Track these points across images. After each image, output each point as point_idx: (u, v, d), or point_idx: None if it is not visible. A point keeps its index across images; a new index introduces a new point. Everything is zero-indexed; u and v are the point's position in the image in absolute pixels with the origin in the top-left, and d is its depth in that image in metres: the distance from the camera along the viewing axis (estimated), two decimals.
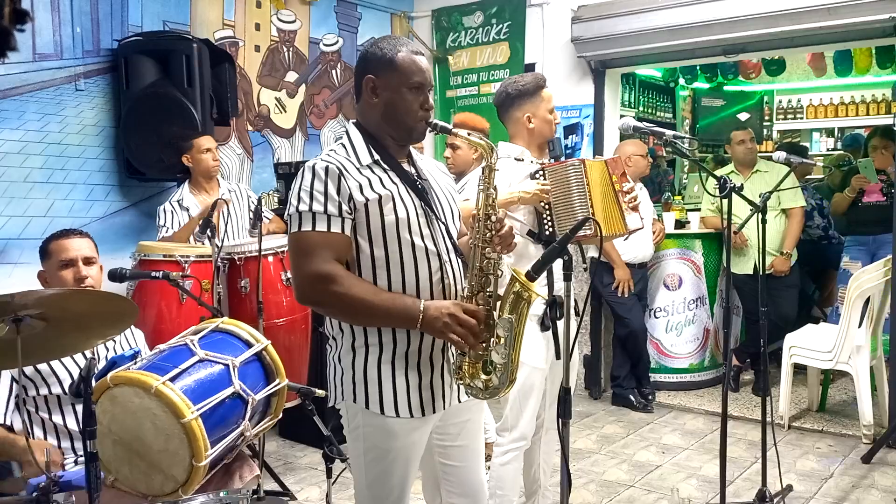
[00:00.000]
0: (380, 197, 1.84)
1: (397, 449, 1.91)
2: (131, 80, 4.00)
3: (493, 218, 1.88)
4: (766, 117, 8.03)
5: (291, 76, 5.14)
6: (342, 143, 1.94)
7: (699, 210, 5.33)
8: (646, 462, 3.98)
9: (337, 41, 5.43)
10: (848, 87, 7.72)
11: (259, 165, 4.94)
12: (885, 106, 7.53)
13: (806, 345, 4.37)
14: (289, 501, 2.45)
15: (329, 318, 1.96)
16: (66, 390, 2.38)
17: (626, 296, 4.75)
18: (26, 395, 2.38)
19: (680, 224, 5.24)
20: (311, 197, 1.81)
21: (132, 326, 2.56)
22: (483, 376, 1.88)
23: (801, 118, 8.08)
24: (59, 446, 2.40)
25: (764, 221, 3.11)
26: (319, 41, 5.31)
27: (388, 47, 1.91)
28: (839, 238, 5.41)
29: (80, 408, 2.19)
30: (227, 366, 2.10)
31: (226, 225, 3.74)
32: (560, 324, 2.43)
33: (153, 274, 2.81)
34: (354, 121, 1.99)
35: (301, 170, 1.87)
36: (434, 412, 1.93)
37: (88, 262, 2.48)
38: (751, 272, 4.80)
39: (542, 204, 2.70)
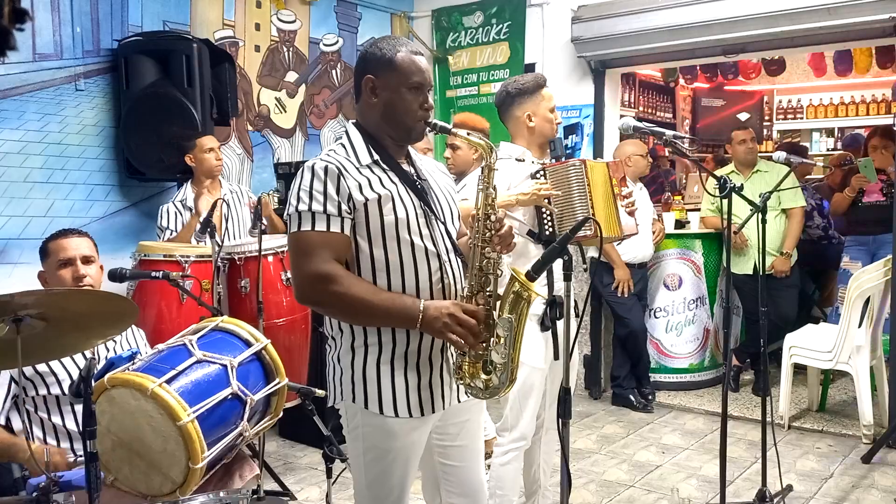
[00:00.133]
0: (379, 197, 1.84)
1: (397, 449, 1.91)
2: (131, 80, 4.00)
3: (493, 217, 1.87)
4: (766, 117, 8.03)
5: (291, 76, 5.14)
6: (342, 143, 1.94)
7: (699, 210, 5.33)
8: (646, 462, 3.98)
9: (337, 41, 5.43)
10: (848, 87, 7.72)
11: (259, 165, 4.94)
12: (885, 106, 7.54)
13: (806, 345, 4.37)
14: (289, 501, 2.45)
15: (328, 317, 1.96)
16: (66, 390, 2.38)
17: (626, 296, 4.75)
18: (26, 395, 2.37)
19: (680, 224, 5.24)
20: (311, 196, 1.81)
21: (133, 326, 2.56)
22: (483, 376, 1.87)
23: (801, 118, 8.08)
24: (59, 446, 2.40)
25: (764, 221, 3.11)
26: (319, 41, 5.31)
27: (388, 47, 1.91)
28: (839, 238, 5.41)
29: (79, 408, 2.19)
30: (224, 366, 2.10)
31: (226, 225, 3.74)
32: (560, 324, 2.44)
33: (153, 274, 2.81)
34: (354, 121, 1.99)
35: (301, 169, 1.87)
36: (433, 412, 1.93)
37: (87, 261, 2.48)
38: (751, 272, 4.80)
39: (544, 203, 2.70)
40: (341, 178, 1.82)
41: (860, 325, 4.10)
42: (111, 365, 2.04)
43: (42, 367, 2.37)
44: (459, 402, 1.99)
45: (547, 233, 2.71)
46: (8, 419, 2.38)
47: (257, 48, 4.92)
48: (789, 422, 4.43)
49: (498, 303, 1.87)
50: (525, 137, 2.81)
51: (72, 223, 3.60)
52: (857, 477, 3.70)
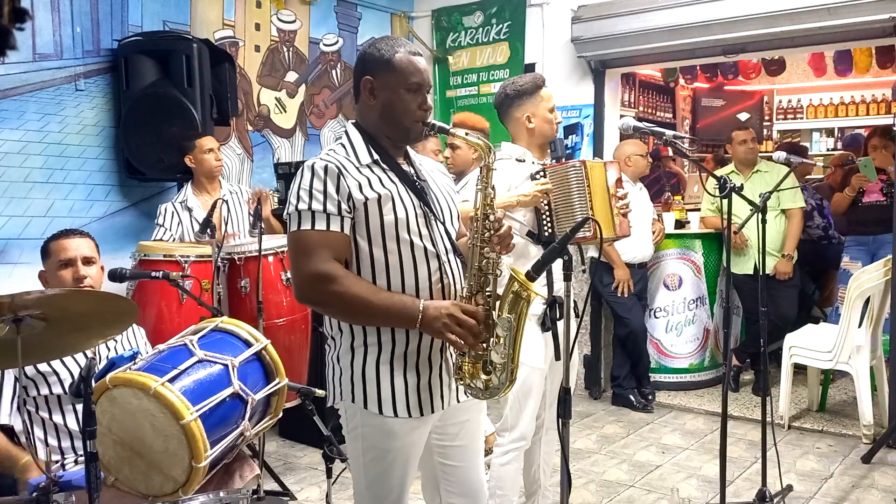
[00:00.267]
0: (379, 196, 1.84)
1: (396, 449, 1.91)
2: (131, 80, 4.00)
3: (491, 217, 1.88)
4: (766, 117, 8.03)
5: (291, 76, 5.14)
6: (341, 143, 1.94)
7: (699, 210, 5.34)
8: (646, 462, 3.98)
9: (337, 41, 5.43)
10: (848, 87, 7.72)
11: (259, 165, 4.94)
12: (885, 106, 7.54)
13: (806, 345, 4.37)
14: (289, 501, 2.45)
15: (328, 317, 1.96)
16: (67, 390, 2.38)
17: (626, 296, 4.75)
18: (27, 395, 2.38)
19: (680, 224, 5.24)
20: (311, 196, 1.81)
21: (134, 325, 2.56)
22: (483, 376, 1.87)
23: (801, 118, 8.08)
24: (60, 446, 2.40)
25: (764, 221, 3.11)
26: (319, 41, 5.31)
27: (386, 48, 1.91)
28: (839, 238, 5.41)
29: (80, 408, 2.19)
30: (226, 366, 2.10)
31: (226, 225, 3.74)
32: (560, 324, 2.44)
33: (153, 274, 2.82)
34: (353, 121, 2.00)
35: (300, 169, 1.87)
36: (433, 412, 1.93)
37: (88, 261, 2.48)
38: (751, 272, 4.80)
39: (543, 203, 2.70)
40: (341, 177, 1.82)
41: (860, 325, 4.10)
42: (112, 365, 2.04)
43: (43, 367, 2.37)
44: (459, 402, 1.99)
45: (546, 233, 2.71)
46: (10, 422, 2.38)
47: (257, 48, 4.93)
48: (789, 422, 4.43)
49: (497, 303, 1.87)
50: (525, 138, 2.81)
51: (72, 223, 3.60)
52: (857, 477, 3.70)
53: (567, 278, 1.94)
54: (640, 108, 6.71)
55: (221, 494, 2.01)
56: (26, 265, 3.63)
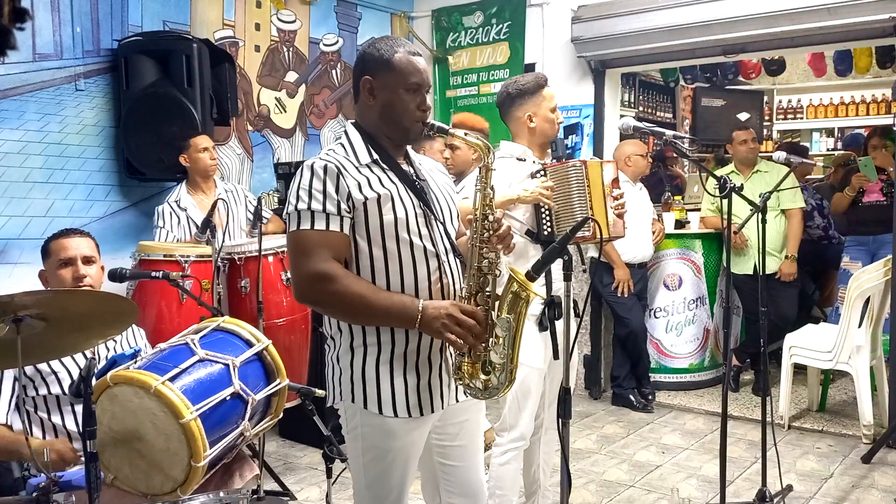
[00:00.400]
0: (379, 196, 1.84)
1: (396, 449, 1.91)
2: (131, 80, 4.00)
3: (491, 218, 1.88)
4: (766, 117, 8.03)
5: (291, 76, 5.14)
6: (341, 143, 1.94)
7: (699, 210, 5.34)
8: (646, 462, 3.98)
9: (337, 41, 5.43)
10: (848, 87, 7.72)
11: (259, 165, 4.94)
12: (885, 106, 7.54)
13: (806, 345, 4.37)
14: (289, 501, 2.45)
15: (328, 317, 1.96)
16: (66, 390, 2.38)
17: (626, 296, 4.75)
18: (26, 395, 2.37)
19: (680, 224, 5.24)
20: (310, 195, 1.81)
21: (134, 325, 2.56)
22: (482, 376, 1.88)
23: (801, 118, 8.08)
24: None
25: (764, 221, 3.11)
26: (319, 41, 5.31)
27: (386, 48, 1.91)
28: (839, 238, 5.41)
29: (79, 408, 2.19)
30: (227, 365, 2.10)
31: (226, 225, 3.74)
32: (559, 324, 2.44)
33: (153, 274, 2.82)
34: (353, 121, 2.00)
35: (300, 169, 1.87)
36: (432, 412, 1.93)
37: (88, 261, 2.48)
38: (751, 272, 4.80)
39: (543, 208, 2.69)
40: (341, 177, 1.82)
41: (860, 325, 4.11)
42: (114, 363, 2.04)
43: (42, 367, 2.37)
44: (458, 402, 1.99)
45: (545, 233, 2.71)
46: (10, 422, 2.37)
47: (257, 48, 4.93)
48: (789, 422, 4.43)
49: (496, 303, 1.87)
50: (526, 138, 2.81)
51: (72, 223, 3.60)
52: (857, 477, 3.71)
53: (567, 278, 1.94)
54: (640, 108, 6.70)
55: (221, 494, 2.01)
56: (26, 265, 3.63)
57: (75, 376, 2.37)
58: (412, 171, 1.98)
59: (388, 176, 1.90)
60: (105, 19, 4.12)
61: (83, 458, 2.21)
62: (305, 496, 3.57)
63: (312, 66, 5.27)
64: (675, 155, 6.74)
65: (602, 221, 2.70)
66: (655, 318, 5.14)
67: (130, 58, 4.00)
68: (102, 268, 2.57)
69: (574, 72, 5.15)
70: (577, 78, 5.15)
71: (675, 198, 5.67)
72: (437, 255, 1.91)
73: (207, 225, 3.43)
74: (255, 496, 1.97)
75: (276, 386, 2.24)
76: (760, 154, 5.35)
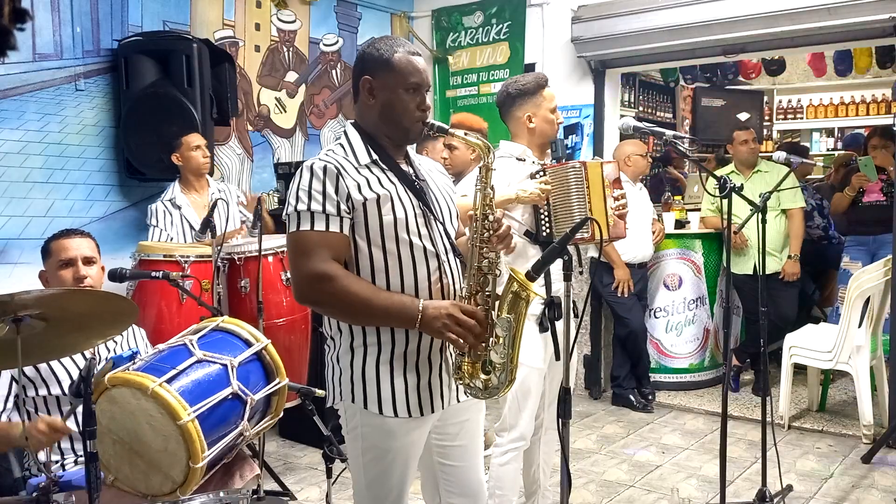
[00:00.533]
0: (378, 196, 1.84)
1: (396, 449, 1.91)
2: (131, 80, 4.00)
3: (491, 218, 1.88)
4: (766, 117, 8.03)
5: (291, 76, 5.14)
6: (340, 143, 1.94)
7: (699, 210, 5.34)
8: (646, 462, 3.98)
9: (337, 41, 5.43)
10: (848, 87, 7.72)
11: (259, 165, 4.94)
12: (885, 106, 7.54)
13: (806, 345, 4.37)
14: (289, 501, 2.45)
15: (328, 318, 1.96)
16: (66, 391, 2.38)
17: (626, 296, 4.75)
18: (26, 395, 2.37)
19: (680, 224, 5.24)
20: (310, 196, 1.81)
21: (134, 325, 2.56)
22: (482, 376, 1.88)
23: (801, 118, 8.08)
24: (59, 446, 2.40)
25: (764, 221, 3.11)
26: (319, 41, 5.31)
27: (385, 48, 1.91)
28: (839, 238, 5.41)
29: (79, 408, 2.18)
30: (225, 366, 2.10)
31: (226, 224, 3.73)
32: (559, 324, 2.44)
33: (153, 274, 2.82)
34: (352, 121, 2.00)
35: (299, 169, 1.87)
36: (433, 412, 1.93)
37: (88, 262, 2.48)
38: (751, 272, 4.80)
39: (542, 209, 2.69)
40: (340, 177, 1.82)
41: (860, 325, 4.10)
42: (112, 364, 2.04)
43: (42, 367, 2.37)
44: (458, 401, 1.99)
45: (544, 233, 2.71)
46: (9, 420, 2.37)
47: (257, 48, 4.93)
48: (789, 422, 4.43)
49: (497, 303, 1.87)
50: (525, 138, 2.81)
51: (72, 223, 3.60)
52: (857, 477, 3.71)
53: (567, 278, 1.94)
54: (640, 108, 6.70)
55: (221, 494, 2.01)
56: (26, 265, 3.63)
57: (75, 377, 2.37)
58: (412, 171, 1.98)
59: (387, 176, 1.90)
60: (105, 19, 4.12)
61: (73, 430, 2.21)
62: (305, 496, 3.57)
63: (312, 66, 5.27)
64: (680, 157, 6.74)
65: (602, 222, 2.70)
66: (655, 318, 5.14)
67: (130, 58, 4.00)
68: (103, 268, 2.57)
69: (574, 72, 5.15)
70: (577, 78, 5.15)
71: (675, 198, 5.67)
72: (437, 255, 1.91)
73: (207, 225, 3.43)
74: (255, 496, 1.97)
75: (276, 385, 2.24)
76: (760, 154, 5.35)
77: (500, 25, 5.45)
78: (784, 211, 4.87)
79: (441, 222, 1.95)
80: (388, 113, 1.91)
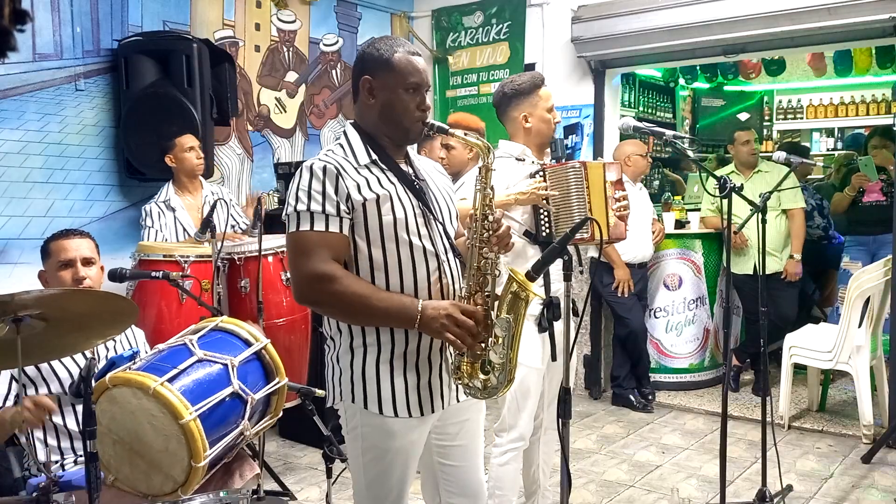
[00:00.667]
0: (378, 196, 1.84)
1: (396, 449, 1.91)
2: (131, 80, 4.00)
3: (490, 218, 1.88)
4: (766, 117, 8.03)
5: (291, 76, 5.14)
6: (340, 144, 1.94)
7: (699, 210, 5.34)
8: (646, 462, 3.98)
9: (337, 41, 5.43)
10: (848, 87, 7.71)
11: (259, 165, 4.94)
12: (885, 106, 7.53)
13: (806, 345, 4.37)
14: (289, 501, 2.45)
15: (327, 318, 1.96)
16: (67, 390, 2.38)
17: (626, 296, 4.75)
18: (26, 395, 2.37)
19: (680, 224, 5.24)
20: (309, 196, 1.81)
21: (133, 326, 2.56)
22: (482, 376, 1.88)
23: (801, 118, 8.07)
24: (59, 446, 2.40)
25: (764, 221, 3.11)
26: (319, 41, 5.31)
27: (385, 48, 1.91)
28: (839, 238, 5.41)
29: (80, 408, 2.19)
30: (225, 365, 2.10)
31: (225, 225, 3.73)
32: (558, 324, 2.44)
33: (153, 274, 2.82)
34: (352, 121, 2.00)
35: (299, 170, 1.87)
36: (433, 412, 1.93)
37: (88, 262, 2.48)
38: (751, 272, 4.80)
39: (541, 209, 2.69)
40: (340, 178, 1.82)
41: (860, 325, 4.10)
42: (112, 364, 2.04)
43: (43, 367, 2.37)
44: (458, 401, 1.99)
45: (544, 234, 2.71)
46: None
47: (257, 48, 4.93)
48: (789, 422, 4.43)
49: (496, 303, 1.87)
50: (523, 138, 2.80)
51: (72, 223, 3.60)
52: (857, 477, 3.71)
53: (567, 278, 1.94)
54: (640, 108, 6.71)
55: (221, 494, 2.01)
56: (26, 265, 3.63)
57: (75, 376, 2.38)
58: (411, 171, 1.98)
59: (386, 176, 1.90)
60: (105, 19, 4.12)
61: (54, 407, 2.19)
62: (305, 496, 3.57)
63: (312, 66, 5.28)
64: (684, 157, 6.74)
65: (602, 223, 2.69)
66: (655, 318, 5.14)
67: (130, 58, 4.00)
68: (102, 268, 2.57)
69: (574, 72, 5.15)
70: (577, 78, 5.15)
71: (675, 198, 5.68)
72: (437, 255, 1.91)
73: (207, 225, 3.43)
74: (255, 496, 1.97)
75: (276, 385, 2.24)
76: (761, 154, 5.36)
77: (500, 25, 5.46)
78: (784, 211, 4.87)
79: (441, 222, 1.95)
80: (388, 113, 1.91)
